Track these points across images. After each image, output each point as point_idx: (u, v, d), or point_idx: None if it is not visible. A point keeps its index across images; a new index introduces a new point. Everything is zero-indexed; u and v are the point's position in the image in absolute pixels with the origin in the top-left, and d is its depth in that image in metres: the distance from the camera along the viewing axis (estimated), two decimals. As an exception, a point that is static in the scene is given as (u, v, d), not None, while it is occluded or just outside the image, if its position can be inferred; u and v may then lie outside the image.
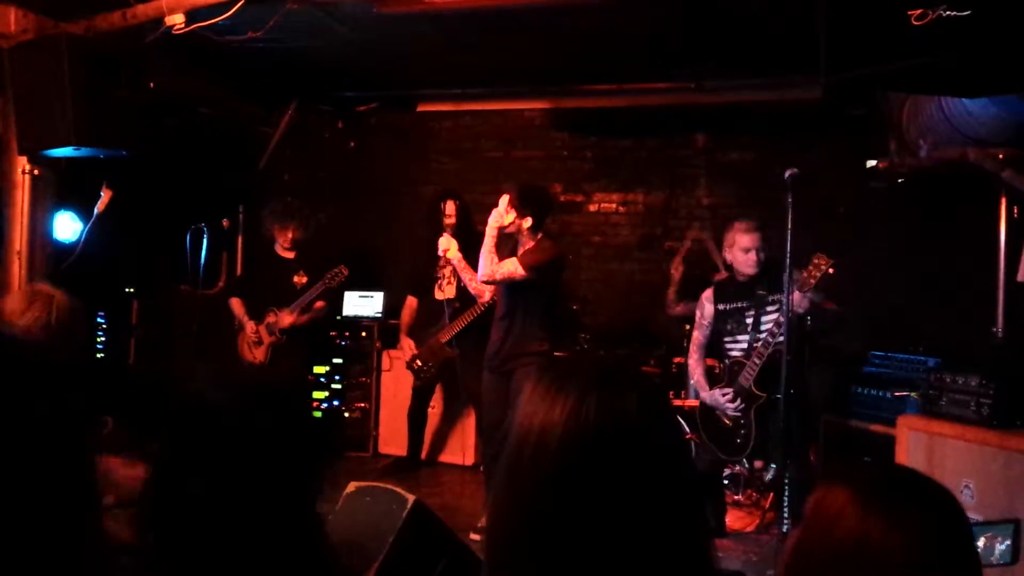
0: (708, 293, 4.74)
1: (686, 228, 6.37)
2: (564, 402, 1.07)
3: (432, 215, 5.67)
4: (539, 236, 4.71)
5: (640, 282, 6.44)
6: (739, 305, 4.59)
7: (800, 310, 4.17)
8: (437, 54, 5.51)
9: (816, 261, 4.11)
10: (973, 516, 3.47)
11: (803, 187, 3.84)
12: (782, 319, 4.08)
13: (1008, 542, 2.55)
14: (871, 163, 5.27)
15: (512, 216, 4.48)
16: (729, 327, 4.62)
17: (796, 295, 4.06)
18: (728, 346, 4.66)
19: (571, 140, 6.70)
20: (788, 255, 3.78)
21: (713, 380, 4.73)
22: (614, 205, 6.63)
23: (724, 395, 4.49)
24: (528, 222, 4.53)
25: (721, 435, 4.59)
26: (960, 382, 3.80)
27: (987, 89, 4.10)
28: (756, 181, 6.06)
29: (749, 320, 4.52)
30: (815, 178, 4.94)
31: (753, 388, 4.39)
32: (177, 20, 4.21)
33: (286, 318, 5.48)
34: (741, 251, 4.50)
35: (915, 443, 3.88)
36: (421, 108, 6.99)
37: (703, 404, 4.69)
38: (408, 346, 5.74)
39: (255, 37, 4.48)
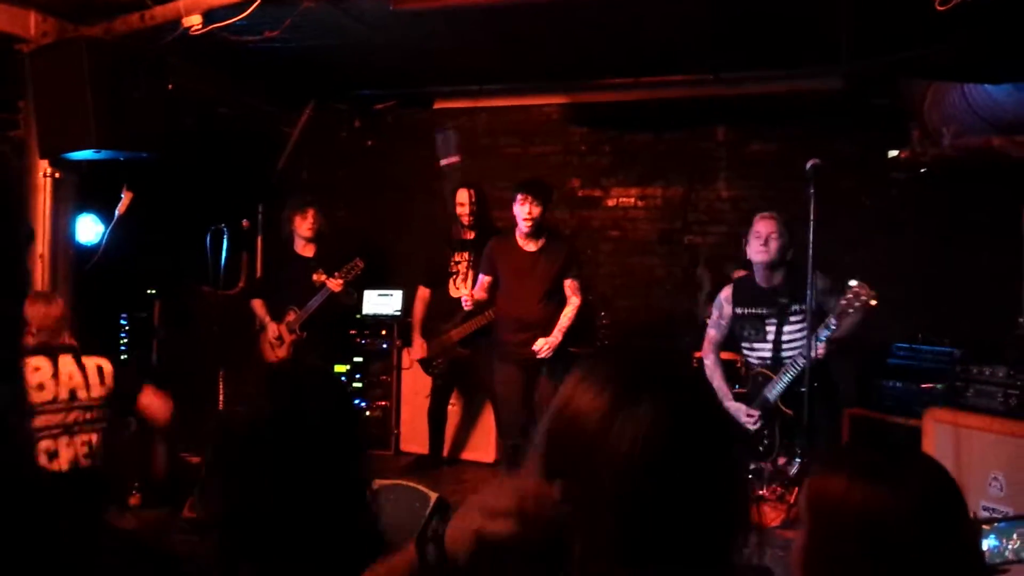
0: (727, 293, 4.51)
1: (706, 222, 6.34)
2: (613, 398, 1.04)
3: (450, 206, 5.69)
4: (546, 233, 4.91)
5: (660, 276, 6.41)
6: (758, 311, 4.35)
7: (820, 356, 3.96)
8: (453, 51, 5.50)
9: (856, 290, 3.82)
10: (1003, 509, 3.42)
11: (825, 178, 3.79)
12: (812, 350, 3.90)
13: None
14: (893, 153, 5.22)
15: (539, 210, 4.83)
16: (747, 333, 4.41)
17: (819, 349, 3.93)
18: (746, 351, 4.49)
19: (589, 135, 6.67)
20: (811, 246, 3.73)
21: (734, 379, 4.58)
22: (632, 199, 6.59)
23: (749, 416, 4.28)
24: (539, 211, 4.83)
25: (742, 437, 4.36)
26: (987, 373, 3.77)
27: (1011, 75, 4.05)
28: (777, 173, 6.00)
29: (770, 329, 4.31)
30: (838, 169, 4.88)
31: (780, 405, 4.20)
32: (195, 21, 4.22)
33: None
34: (755, 239, 4.25)
35: (942, 435, 3.84)
36: (438, 105, 6.98)
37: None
38: (420, 347, 5.74)
39: (272, 37, 4.49)
